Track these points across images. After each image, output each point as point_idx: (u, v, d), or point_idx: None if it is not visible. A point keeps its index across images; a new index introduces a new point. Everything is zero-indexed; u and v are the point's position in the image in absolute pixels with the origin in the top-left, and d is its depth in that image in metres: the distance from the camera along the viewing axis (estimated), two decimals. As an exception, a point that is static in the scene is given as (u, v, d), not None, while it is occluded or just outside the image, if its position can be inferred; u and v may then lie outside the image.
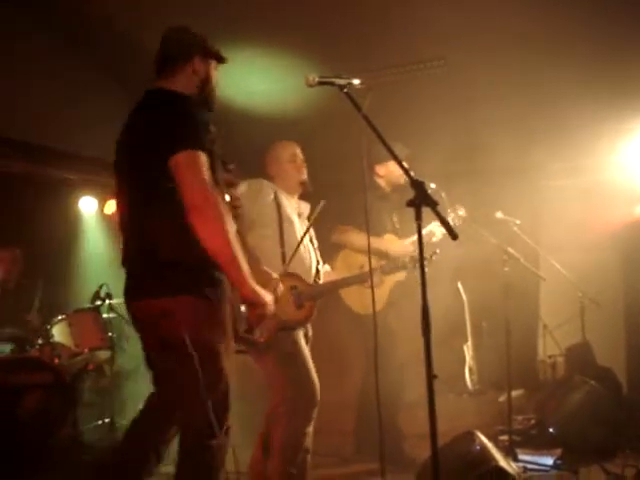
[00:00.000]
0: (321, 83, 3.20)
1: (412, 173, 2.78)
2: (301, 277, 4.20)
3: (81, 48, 6.68)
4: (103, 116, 6.81)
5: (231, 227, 2.93)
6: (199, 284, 2.98)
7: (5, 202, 6.63)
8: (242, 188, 4.17)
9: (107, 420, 6.09)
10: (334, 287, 4.57)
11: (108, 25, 6.31)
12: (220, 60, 3.53)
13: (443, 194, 5.06)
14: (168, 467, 5.82)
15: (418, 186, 2.68)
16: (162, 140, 2.96)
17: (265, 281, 3.52)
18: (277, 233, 4.16)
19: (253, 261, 3.74)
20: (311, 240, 4.44)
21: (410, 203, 2.66)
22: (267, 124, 7.60)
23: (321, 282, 4.37)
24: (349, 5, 5.75)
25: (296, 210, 4.41)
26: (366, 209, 3.62)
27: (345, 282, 4.64)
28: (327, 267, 4.62)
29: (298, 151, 4.58)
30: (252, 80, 7.12)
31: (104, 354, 6.17)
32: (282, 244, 4.15)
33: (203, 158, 2.94)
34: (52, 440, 5.52)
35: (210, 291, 3.00)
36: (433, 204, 2.66)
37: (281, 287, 3.78)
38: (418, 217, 2.68)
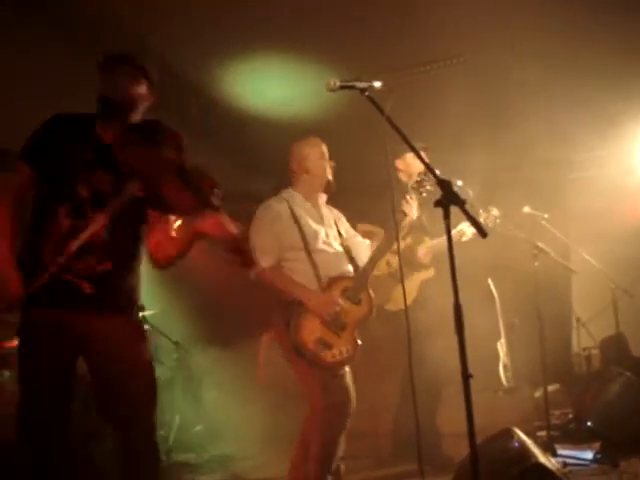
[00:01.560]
0: (342, 87, 3.22)
1: (438, 172, 2.78)
2: (343, 275, 4.21)
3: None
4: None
5: None
6: None
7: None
8: (257, 223, 4.30)
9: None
10: (372, 263, 4.38)
11: (120, 29, 6.37)
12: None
13: (470, 191, 5.04)
14: (181, 455, 5.95)
15: (445, 185, 2.68)
16: None
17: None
18: (305, 254, 4.15)
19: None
20: (339, 234, 4.43)
21: (438, 203, 2.65)
22: (286, 130, 7.64)
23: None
24: (366, 7, 5.75)
25: (317, 211, 4.39)
26: (393, 208, 3.63)
27: (379, 252, 4.41)
28: (366, 242, 4.59)
29: (325, 149, 4.57)
30: (269, 86, 7.15)
31: (139, 366, 6.18)
32: (314, 265, 4.14)
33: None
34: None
35: None
36: (461, 203, 2.65)
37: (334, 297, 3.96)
38: (446, 216, 2.67)
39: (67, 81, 6.25)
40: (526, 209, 5.68)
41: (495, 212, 5.37)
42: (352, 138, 7.19)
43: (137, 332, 3.34)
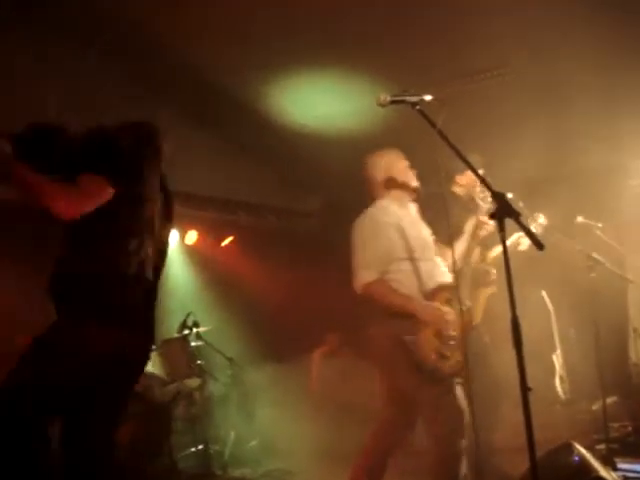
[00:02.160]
0: (393, 102, 3.22)
1: (491, 185, 2.77)
2: (443, 286, 4.08)
3: (157, 87, 6.88)
4: (183, 152, 7.00)
5: None
6: None
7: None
8: (360, 235, 4.12)
9: (201, 447, 6.17)
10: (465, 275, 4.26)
11: (167, 49, 6.47)
12: None
13: (521, 203, 4.99)
14: (237, 470, 5.98)
15: (499, 198, 2.67)
16: None
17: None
18: (410, 264, 4.03)
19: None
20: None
21: (492, 216, 2.64)
22: (334, 146, 7.67)
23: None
24: (414, 20, 5.76)
25: (414, 220, 4.29)
26: (448, 221, 3.61)
27: (467, 251, 4.33)
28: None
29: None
30: (316, 102, 7.19)
31: (194, 382, 6.25)
32: (418, 275, 4.03)
33: None
34: (149, 469, 5.64)
35: None
36: (516, 215, 2.64)
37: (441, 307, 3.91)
38: (501, 229, 2.66)
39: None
40: (580, 219, 5.60)
41: (542, 220, 5.30)
42: (401, 151, 7.19)
43: None
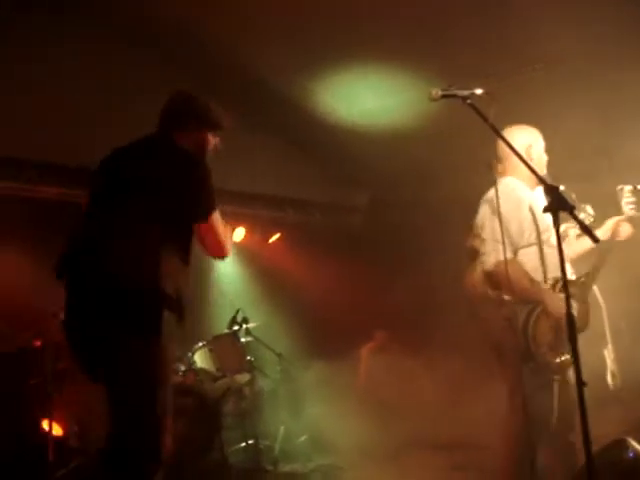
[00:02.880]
0: (444, 96, 3.18)
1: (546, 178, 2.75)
2: (570, 280, 3.91)
3: (205, 84, 6.94)
4: (230, 149, 7.06)
5: None
6: None
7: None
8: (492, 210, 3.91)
9: (251, 442, 6.21)
10: (593, 276, 4.15)
11: (216, 47, 6.53)
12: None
13: (573, 195, 4.92)
14: (287, 465, 6.01)
15: (553, 191, 2.64)
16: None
17: None
18: (537, 248, 3.92)
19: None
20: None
21: (547, 209, 2.62)
22: (379, 142, 7.66)
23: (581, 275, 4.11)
24: (459, 15, 5.74)
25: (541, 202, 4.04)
26: (499, 217, 3.57)
27: (599, 263, 4.16)
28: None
29: None
30: (362, 98, 7.19)
31: (244, 377, 6.30)
32: (543, 260, 3.91)
33: None
34: (201, 463, 5.70)
35: None
36: (570, 208, 2.62)
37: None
38: (556, 222, 2.63)
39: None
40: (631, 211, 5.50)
41: (589, 210, 5.19)
42: (449, 147, 7.16)
43: None
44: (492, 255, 3.82)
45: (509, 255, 3.76)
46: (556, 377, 3.85)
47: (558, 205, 2.61)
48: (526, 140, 4.04)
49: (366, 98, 7.17)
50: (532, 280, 3.79)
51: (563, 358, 3.78)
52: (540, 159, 4.07)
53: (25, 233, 6.21)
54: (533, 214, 3.91)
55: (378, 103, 7.18)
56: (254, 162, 7.63)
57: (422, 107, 6.43)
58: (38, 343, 5.83)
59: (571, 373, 3.87)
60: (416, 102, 6.54)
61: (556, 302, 3.74)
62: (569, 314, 2.59)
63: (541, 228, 3.91)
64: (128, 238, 3.15)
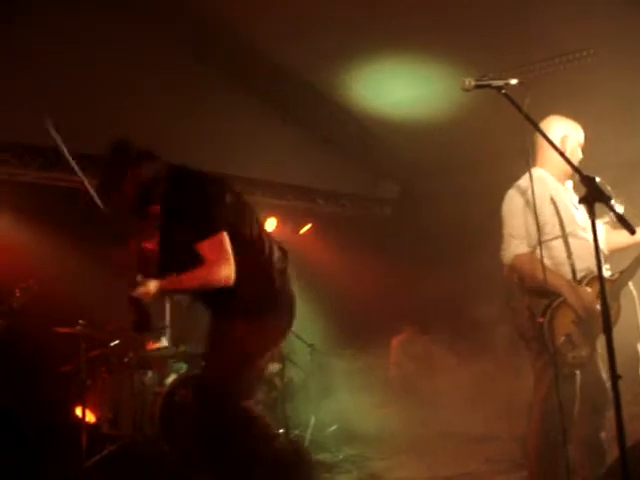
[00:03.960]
0: (478, 87, 3.13)
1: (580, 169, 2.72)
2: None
3: (238, 77, 6.99)
4: (248, 136, 7.09)
5: None
6: None
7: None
8: (512, 206, 3.90)
9: (281, 431, 6.24)
10: (630, 274, 3.97)
11: (241, 38, 6.54)
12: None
13: (608, 187, 4.86)
14: (318, 455, 6.03)
15: (589, 182, 2.61)
16: None
17: None
18: (562, 240, 3.85)
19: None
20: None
21: (583, 200, 2.59)
22: (412, 134, 7.64)
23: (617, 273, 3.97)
24: (489, 5, 5.70)
25: (569, 194, 4.05)
26: (535, 208, 3.54)
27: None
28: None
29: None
30: (395, 89, 7.17)
31: (275, 367, 6.34)
32: (569, 252, 3.84)
33: None
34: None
35: None
36: (606, 199, 2.58)
37: (591, 295, 3.72)
38: (591, 213, 2.60)
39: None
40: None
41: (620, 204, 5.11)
42: (480, 138, 7.12)
43: None
44: (509, 250, 3.80)
45: (526, 249, 3.76)
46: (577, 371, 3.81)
47: (595, 196, 2.57)
48: (562, 131, 3.97)
49: (398, 89, 7.15)
50: (552, 273, 3.71)
51: (580, 354, 3.73)
52: (574, 152, 4.00)
53: (61, 221, 6.29)
54: (556, 207, 3.86)
55: (410, 94, 7.16)
56: (285, 153, 7.66)
57: (454, 98, 6.42)
58: (72, 331, 5.90)
59: (596, 367, 3.87)
60: (448, 93, 6.51)
61: (580, 295, 3.71)
62: (605, 308, 2.56)
63: (565, 221, 3.86)
64: None
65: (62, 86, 5.98)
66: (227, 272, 3.36)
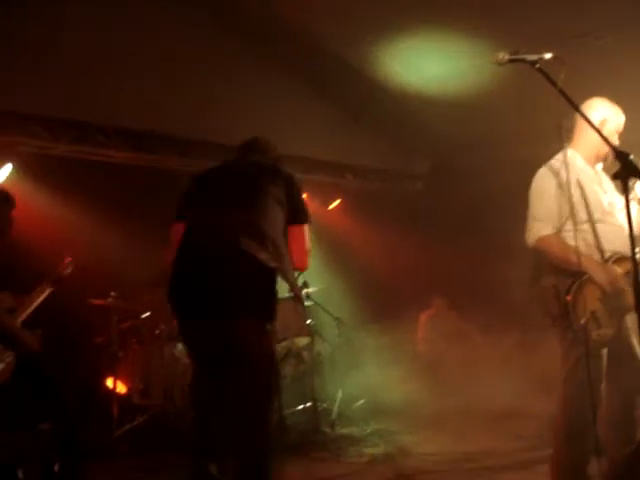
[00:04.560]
0: (511, 60, 3.10)
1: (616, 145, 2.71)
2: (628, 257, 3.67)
3: (279, 60, 6.99)
4: (292, 116, 7.10)
5: None
6: None
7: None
8: (538, 187, 3.86)
9: (309, 404, 6.30)
10: None
11: (276, 12, 6.53)
12: None
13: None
14: (345, 428, 6.08)
15: (623, 158, 2.59)
16: None
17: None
18: (588, 224, 3.80)
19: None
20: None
21: (616, 175, 2.57)
22: (444, 110, 7.59)
23: None
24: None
25: (599, 178, 3.97)
26: (568, 186, 3.51)
27: None
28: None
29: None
30: (427, 64, 7.11)
31: (303, 341, 6.38)
32: (596, 235, 3.80)
33: None
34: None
35: None
36: (640, 175, 2.57)
37: (618, 273, 3.68)
38: (625, 190, 2.58)
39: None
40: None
41: None
42: (510, 114, 7.06)
43: None
44: (532, 232, 3.77)
45: (550, 231, 3.74)
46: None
47: (629, 171, 2.56)
48: (603, 114, 3.88)
49: (430, 64, 7.10)
50: (578, 252, 3.66)
51: (605, 332, 3.70)
52: (611, 137, 3.94)
53: (95, 195, 6.36)
54: (582, 190, 3.80)
55: (442, 69, 7.11)
56: (315, 128, 7.65)
57: (486, 73, 6.37)
58: (104, 303, 5.98)
59: (628, 345, 3.84)
60: (480, 68, 6.45)
61: (607, 273, 3.66)
62: (637, 287, 2.54)
63: (591, 205, 3.81)
64: None
65: (100, 61, 6.02)
66: None
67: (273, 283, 3.48)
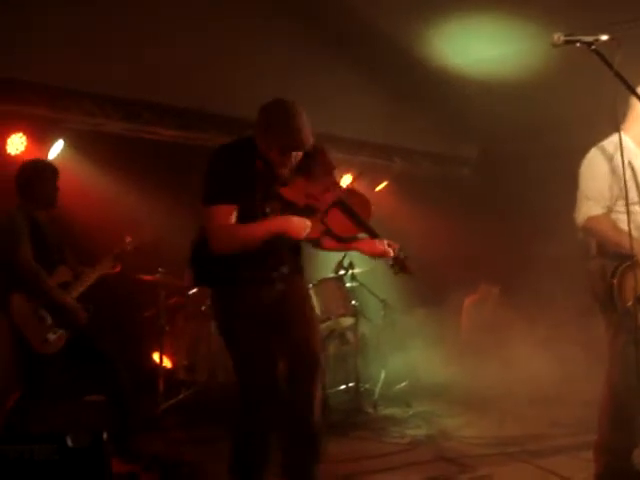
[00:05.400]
0: (567, 42, 3.06)
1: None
2: None
3: (317, 31, 6.97)
4: (340, 97, 7.09)
5: None
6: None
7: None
8: (590, 168, 3.83)
9: (351, 385, 6.34)
10: None
11: (346, 8, 6.52)
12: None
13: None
14: (387, 409, 6.10)
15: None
16: None
17: None
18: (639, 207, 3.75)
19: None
20: None
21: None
22: (490, 92, 7.51)
23: None
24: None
25: None
26: (623, 171, 3.45)
27: None
28: None
29: None
30: (478, 47, 7.04)
31: (347, 321, 6.36)
32: None
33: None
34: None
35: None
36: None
37: None
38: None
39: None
40: None
41: None
42: (562, 98, 6.97)
43: None
44: (582, 211, 3.74)
45: (600, 211, 3.69)
46: None
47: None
48: None
49: (481, 47, 7.03)
50: (626, 235, 3.64)
51: None
52: None
53: (145, 173, 6.44)
54: (634, 172, 3.74)
55: (493, 52, 7.03)
56: (363, 110, 7.62)
57: (538, 57, 6.30)
58: (152, 278, 6.06)
59: None
60: (532, 51, 6.39)
61: None
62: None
63: None
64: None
65: (151, 41, 6.07)
66: None
67: None
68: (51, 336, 4.32)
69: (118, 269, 4.94)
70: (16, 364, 4.32)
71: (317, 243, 3.72)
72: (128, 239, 4.93)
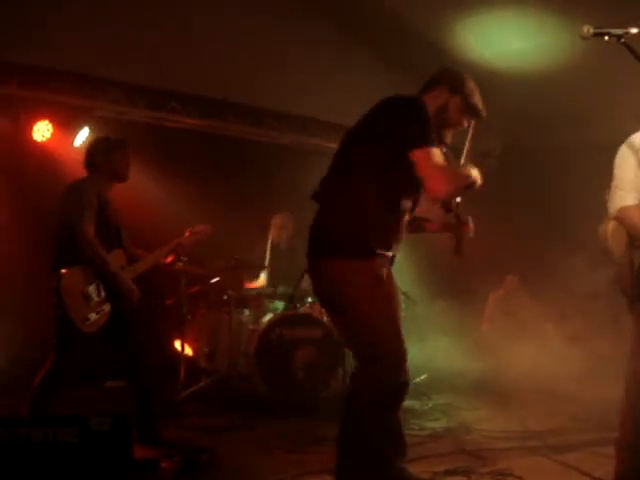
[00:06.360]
0: (596, 35, 3.02)
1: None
2: None
3: (351, 30, 6.97)
4: (353, 83, 7.08)
5: None
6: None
7: (279, 171, 7.21)
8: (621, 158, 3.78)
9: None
10: None
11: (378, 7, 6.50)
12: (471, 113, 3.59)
13: None
14: (407, 401, 6.07)
15: None
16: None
17: None
18: None
19: None
20: None
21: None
22: (515, 86, 7.46)
23: None
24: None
25: None
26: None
27: None
28: None
29: None
30: (504, 39, 7.00)
31: (368, 313, 6.36)
32: None
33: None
34: (323, 393, 5.88)
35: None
36: None
37: None
38: None
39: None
40: None
41: None
42: (587, 91, 6.92)
43: None
44: (614, 201, 3.69)
45: (632, 202, 3.64)
46: None
47: None
48: None
49: (507, 39, 6.99)
50: None
51: None
52: None
53: (168, 160, 6.46)
54: None
55: (519, 45, 7.00)
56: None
57: (565, 50, 6.25)
58: (174, 266, 6.10)
59: None
60: (559, 45, 6.35)
61: None
62: None
63: None
64: (335, 192, 3.39)
65: (179, 31, 6.10)
66: None
67: None
68: (93, 315, 4.35)
69: (170, 260, 5.00)
70: (54, 338, 4.35)
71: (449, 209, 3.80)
72: (187, 233, 4.99)
